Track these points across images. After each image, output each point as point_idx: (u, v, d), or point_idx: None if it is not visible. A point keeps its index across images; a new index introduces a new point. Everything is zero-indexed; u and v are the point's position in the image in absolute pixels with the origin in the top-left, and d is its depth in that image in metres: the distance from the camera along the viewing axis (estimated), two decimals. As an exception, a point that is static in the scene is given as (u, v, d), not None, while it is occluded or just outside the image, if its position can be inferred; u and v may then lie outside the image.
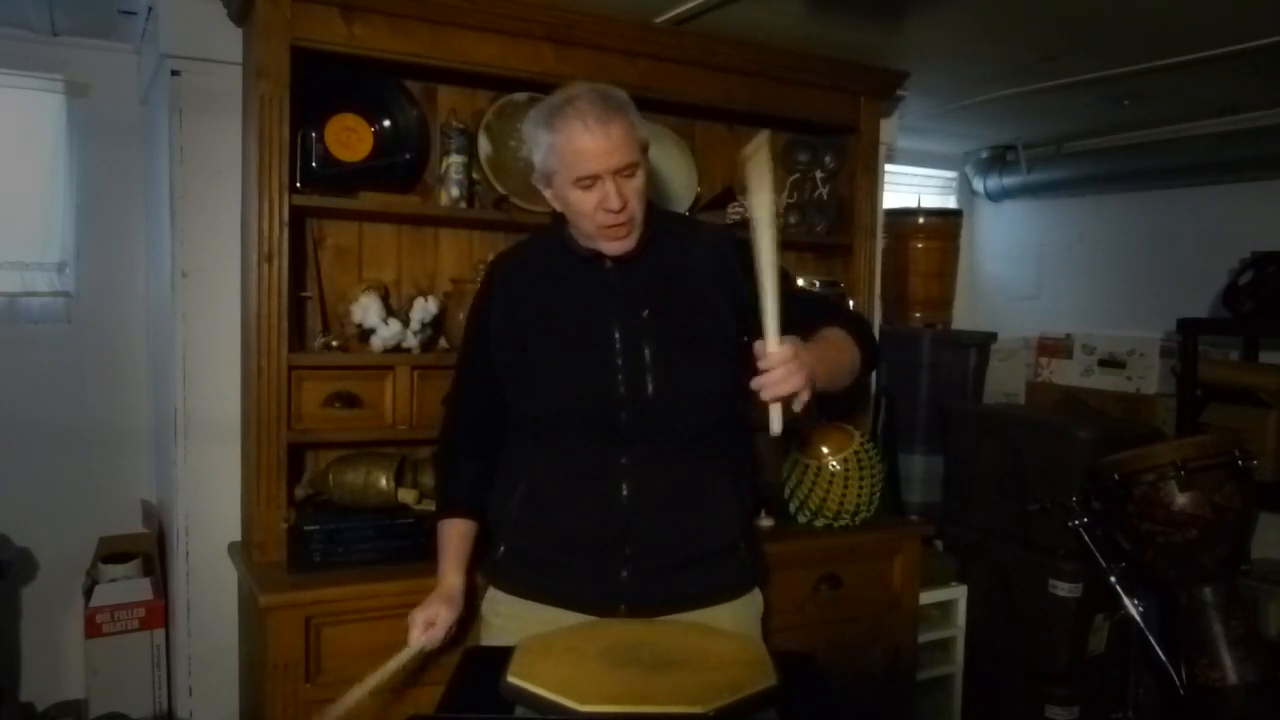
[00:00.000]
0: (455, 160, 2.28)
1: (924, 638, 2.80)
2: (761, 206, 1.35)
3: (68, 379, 2.80)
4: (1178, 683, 2.55)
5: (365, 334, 2.22)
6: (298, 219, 2.14)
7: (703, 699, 1.08)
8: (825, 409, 2.59)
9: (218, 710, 2.31)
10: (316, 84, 2.14)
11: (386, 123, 2.30)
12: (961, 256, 3.77)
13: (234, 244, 2.24)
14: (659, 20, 2.39)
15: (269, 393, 2.05)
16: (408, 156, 2.31)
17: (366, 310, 2.20)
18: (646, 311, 1.56)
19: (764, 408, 1.35)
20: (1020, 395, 3.92)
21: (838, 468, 2.49)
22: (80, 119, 2.75)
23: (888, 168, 3.22)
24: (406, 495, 2.13)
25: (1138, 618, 2.58)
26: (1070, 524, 2.68)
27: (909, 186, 4.23)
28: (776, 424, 1.34)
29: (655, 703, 1.08)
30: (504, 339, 1.62)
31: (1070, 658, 2.92)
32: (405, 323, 2.23)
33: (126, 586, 2.50)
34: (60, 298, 2.79)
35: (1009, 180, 4.15)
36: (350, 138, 2.23)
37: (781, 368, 1.31)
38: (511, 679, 1.14)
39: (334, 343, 2.23)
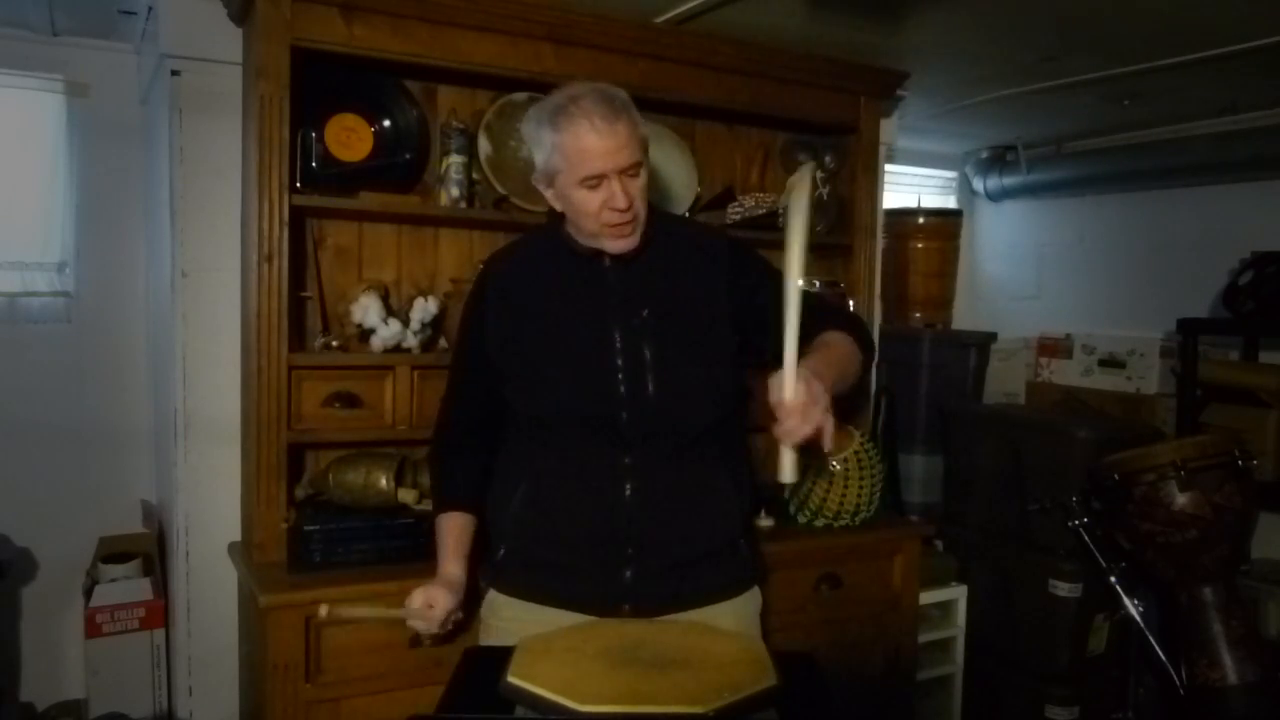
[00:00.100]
0: (455, 160, 2.28)
1: (924, 638, 2.80)
2: (795, 245, 1.31)
3: (68, 379, 2.81)
4: (1178, 683, 2.55)
5: (365, 334, 2.22)
6: (298, 219, 2.14)
7: (703, 699, 1.08)
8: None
9: (218, 710, 2.31)
10: (316, 84, 2.14)
11: (386, 123, 2.30)
12: (961, 256, 3.77)
13: (234, 244, 2.24)
14: (659, 20, 2.39)
15: (269, 393, 2.05)
16: (408, 156, 2.31)
17: (366, 310, 2.20)
18: (646, 311, 1.57)
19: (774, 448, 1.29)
20: (1020, 395, 3.92)
21: (838, 468, 2.49)
22: (80, 119, 2.75)
23: (888, 168, 3.22)
24: (406, 495, 2.13)
25: (1138, 618, 2.58)
26: (1070, 524, 2.68)
27: (909, 186, 4.23)
28: (788, 472, 1.29)
29: (655, 703, 1.08)
30: (502, 339, 1.62)
31: (1070, 658, 2.92)
32: (405, 323, 2.23)
33: (126, 586, 2.50)
34: (60, 298, 2.79)
35: (1009, 180, 4.15)
36: (350, 138, 2.23)
37: (798, 414, 1.26)
38: (511, 679, 1.14)
39: (334, 343, 2.23)
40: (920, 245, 3.59)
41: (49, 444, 2.78)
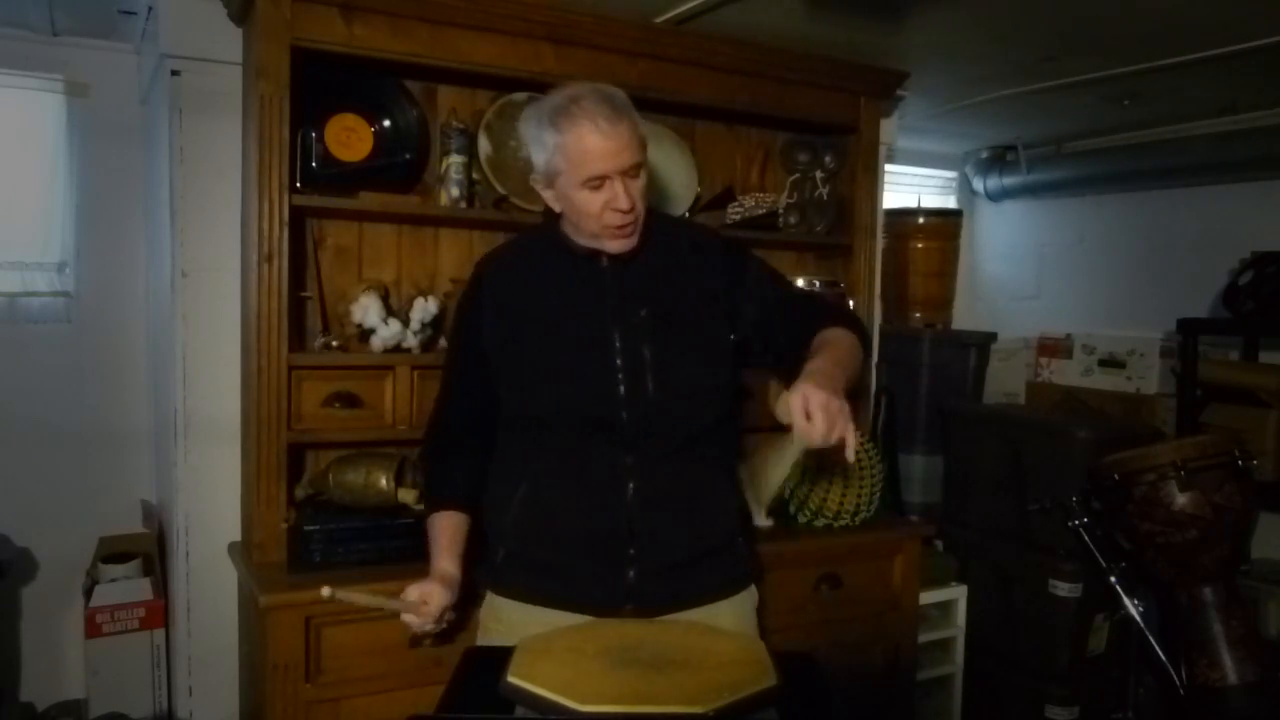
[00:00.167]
0: (455, 160, 2.28)
1: (924, 638, 2.80)
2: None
3: (68, 379, 2.80)
4: (1178, 683, 2.55)
5: (365, 334, 2.22)
6: (298, 219, 2.14)
7: (703, 699, 1.08)
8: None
9: (218, 710, 2.31)
10: (316, 84, 2.14)
11: (386, 123, 2.30)
12: (961, 256, 3.77)
13: (234, 244, 2.24)
14: (659, 20, 2.39)
15: (269, 393, 2.05)
16: (408, 156, 2.31)
17: (366, 310, 2.20)
18: (644, 311, 1.57)
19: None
20: (1020, 395, 3.92)
21: (838, 468, 2.49)
22: (80, 119, 2.75)
23: (888, 168, 3.22)
24: (406, 495, 2.13)
25: (1138, 618, 2.58)
26: (1070, 524, 2.68)
27: (909, 186, 4.23)
28: (786, 469, 1.37)
29: (655, 703, 1.08)
30: (499, 339, 1.61)
31: (1070, 658, 2.92)
32: (405, 323, 2.23)
33: (126, 586, 2.49)
34: (60, 298, 2.79)
35: (1009, 180, 4.15)
36: (350, 138, 2.23)
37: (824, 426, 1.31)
38: (511, 679, 1.14)
39: (334, 343, 2.23)
40: (920, 245, 3.59)
41: (49, 444, 2.78)
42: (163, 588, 2.53)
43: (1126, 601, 2.57)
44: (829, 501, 2.51)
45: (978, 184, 4.31)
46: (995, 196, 4.30)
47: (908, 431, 3.37)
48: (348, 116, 2.23)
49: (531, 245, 1.71)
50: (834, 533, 2.51)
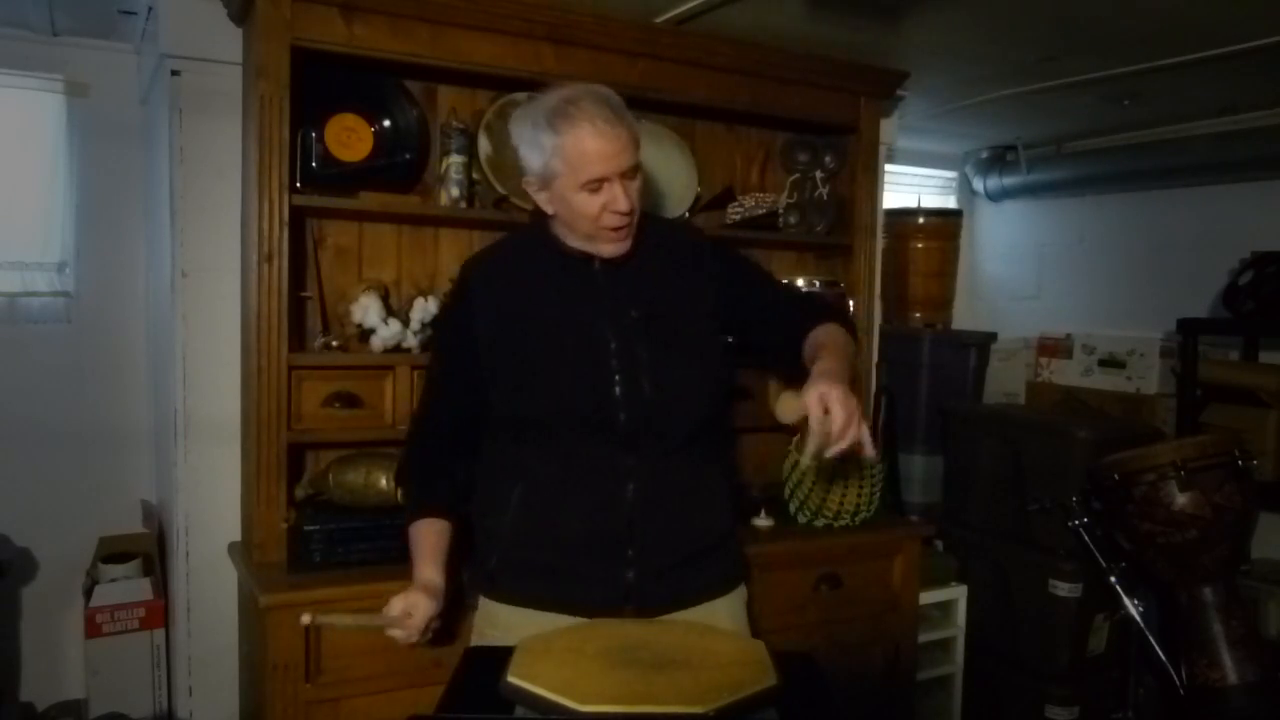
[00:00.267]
0: (455, 160, 2.28)
1: (924, 638, 2.81)
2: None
3: (68, 379, 2.81)
4: (1178, 683, 2.55)
5: (365, 334, 2.22)
6: (298, 219, 2.14)
7: (703, 699, 1.08)
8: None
9: (218, 710, 2.31)
10: (316, 84, 2.14)
11: (386, 123, 2.30)
12: (961, 256, 3.77)
13: (234, 244, 2.24)
14: (659, 20, 2.39)
15: (269, 393, 2.05)
16: (408, 156, 2.31)
17: (366, 310, 2.20)
18: (635, 312, 1.56)
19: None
20: (1020, 395, 3.92)
21: (838, 468, 2.49)
22: (80, 119, 2.75)
23: (888, 168, 3.22)
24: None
25: (1138, 618, 2.58)
26: (1070, 524, 2.68)
27: (909, 186, 4.23)
28: (809, 457, 1.39)
29: (655, 703, 1.08)
30: (490, 341, 1.58)
31: (1070, 658, 2.92)
32: (405, 323, 2.23)
33: (126, 586, 2.50)
34: (60, 298, 2.79)
35: (1009, 180, 4.15)
36: (350, 138, 2.23)
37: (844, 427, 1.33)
38: (511, 679, 1.14)
39: (334, 343, 2.23)
40: (920, 245, 3.59)
41: (49, 444, 2.78)
42: (163, 588, 2.53)
43: (1126, 601, 2.57)
44: (829, 501, 2.51)
45: (978, 184, 4.31)
46: (995, 196, 4.30)
47: (908, 431, 3.37)
48: (348, 116, 2.23)
49: (521, 247, 1.69)
50: (834, 533, 2.52)
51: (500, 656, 1.22)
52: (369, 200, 2.24)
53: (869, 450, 1.38)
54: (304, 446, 2.23)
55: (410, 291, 2.36)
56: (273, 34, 2.01)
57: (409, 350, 2.23)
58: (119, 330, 2.86)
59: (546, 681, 1.12)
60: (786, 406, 2.56)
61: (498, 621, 1.59)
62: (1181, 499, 2.49)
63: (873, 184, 2.83)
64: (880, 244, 2.97)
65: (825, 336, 1.58)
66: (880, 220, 2.96)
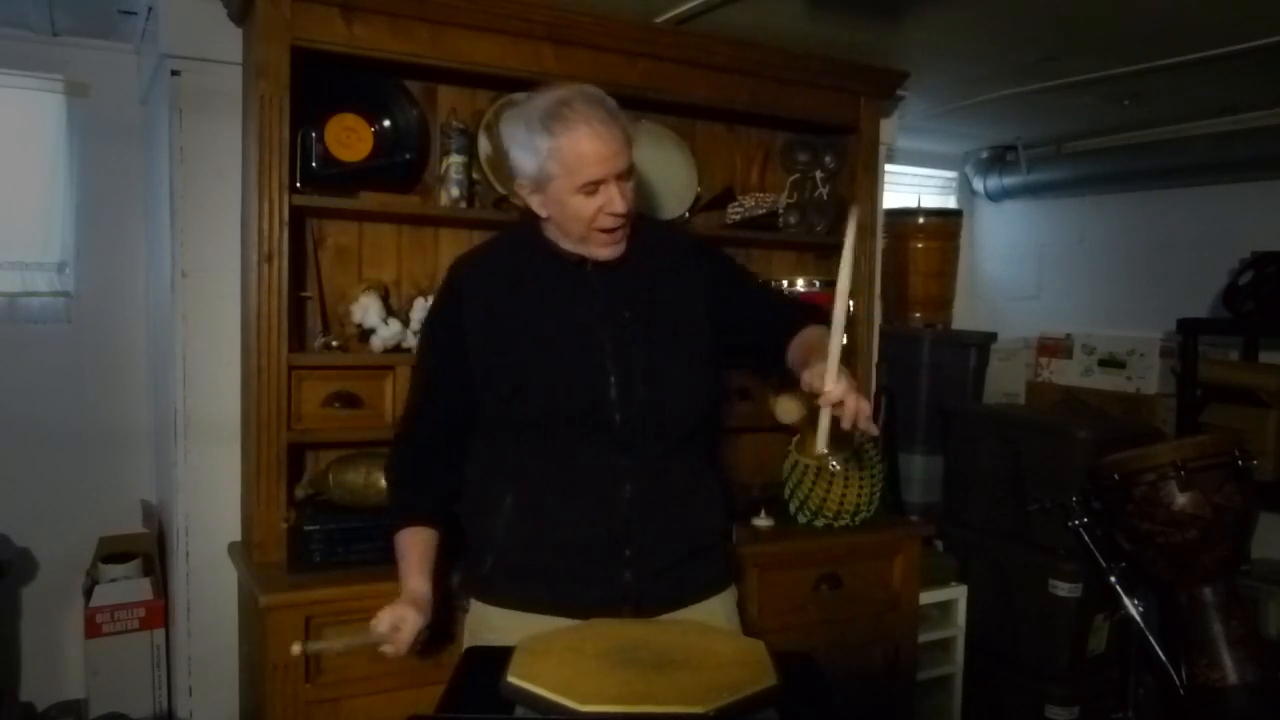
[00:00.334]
0: (455, 160, 2.28)
1: (924, 638, 2.81)
2: (843, 277, 1.41)
3: (68, 379, 2.80)
4: (1178, 683, 2.55)
5: (365, 334, 2.22)
6: (298, 219, 2.14)
7: (703, 699, 1.08)
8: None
9: (218, 710, 2.31)
10: (316, 84, 2.14)
11: (386, 123, 2.30)
12: (961, 256, 3.77)
13: (234, 244, 2.24)
14: (659, 20, 2.39)
15: (269, 393, 2.05)
16: (408, 156, 2.31)
17: (366, 310, 2.20)
18: (629, 314, 1.56)
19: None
20: (1020, 395, 3.92)
21: (838, 468, 2.49)
22: (80, 119, 2.75)
23: (888, 168, 3.22)
24: (406, 495, 2.13)
25: (1138, 618, 2.58)
26: (1070, 524, 2.68)
27: (909, 186, 4.23)
28: (822, 443, 1.40)
29: (655, 703, 1.08)
30: (482, 342, 1.56)
31: (1070, 658, 2.92)
32: (405, 323, 2.24)
33: (126, 586, 2.50)
34: (60, 298, 2.79)
35: (1009, 180, 4.15)
36: (350, 138, 2.23)
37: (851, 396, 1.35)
38: (511, 679, 1.14)
39: (334, 343, 2.23)
40: (920, 245, 3.59)
41: (49, 444, 2.78)
42: (163, 588, 2.53)
43: (1126, 601, 2.58)
44: (829, 501, 2.51)
45: (978, 184, 4.31)
46: (995, 196, 4.30)
47: (908, 431, 3.38)
48: (348, 116, 2.23)
49: (511, 248, 1.67)
50: (834, 533, 2.52)
51: (500, 656, 1.22)
52: (369, 200, 2.24)
53: (868, 425, 1.39)
54: (304, 446, 2.23)
55: (410, 291, 2.36)
56: (273, 34, 2.01)
57: (409, 350, 2.22)
58: (119, 330, 2.86)
59: (546, 681, 1.12)
60: (786, 407, 2.57)
61: (494, 625, 1.56)
62: (1181, 499, 2.49)
63: (873, 184, 2.83)
64: (880, 244, 2.98)
65: (814, 338, 1.58)
66: (880, 220, 2.96)
